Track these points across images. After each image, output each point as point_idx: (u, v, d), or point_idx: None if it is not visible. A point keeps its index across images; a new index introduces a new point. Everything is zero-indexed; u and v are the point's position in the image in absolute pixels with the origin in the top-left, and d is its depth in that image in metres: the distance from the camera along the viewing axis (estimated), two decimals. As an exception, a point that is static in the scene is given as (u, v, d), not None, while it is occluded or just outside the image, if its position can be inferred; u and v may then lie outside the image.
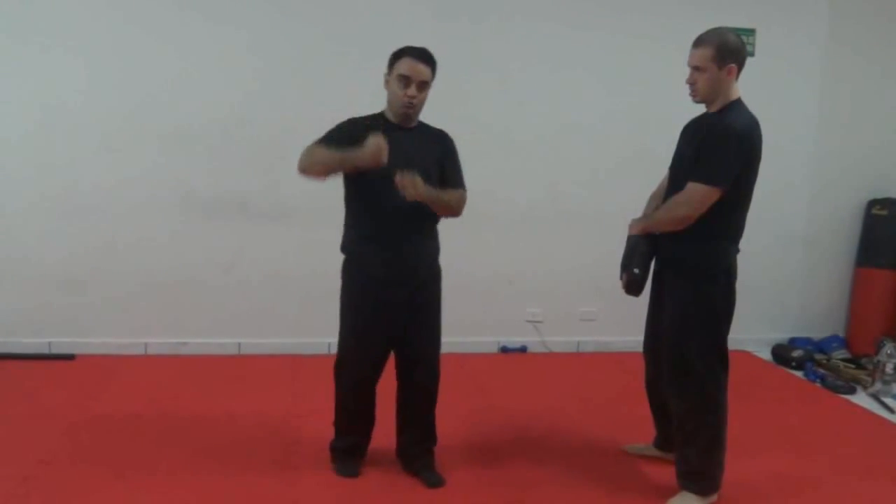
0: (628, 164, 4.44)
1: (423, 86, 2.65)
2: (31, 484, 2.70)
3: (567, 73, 4.45)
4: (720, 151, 2.50)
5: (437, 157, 2.77)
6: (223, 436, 3.19)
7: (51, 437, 3.12)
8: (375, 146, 2.48)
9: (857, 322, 4.87)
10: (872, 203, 4.86)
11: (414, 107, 2.68)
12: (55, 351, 4.18)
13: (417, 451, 2.88)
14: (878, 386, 4.09)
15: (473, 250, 4.39)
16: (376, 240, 2.69)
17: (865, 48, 4.73)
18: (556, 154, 4.52)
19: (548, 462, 3.05)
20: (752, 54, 4.27)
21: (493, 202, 4.40)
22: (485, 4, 4.34)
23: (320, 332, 4.15)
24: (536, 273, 4.59)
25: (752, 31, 4.49)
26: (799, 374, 4.45)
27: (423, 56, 2.64)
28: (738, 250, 2.65)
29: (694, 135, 2.65)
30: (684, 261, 2.63)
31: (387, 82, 2.69)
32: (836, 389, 4.12)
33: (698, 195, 2.51)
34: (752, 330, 4.50)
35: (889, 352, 4.11)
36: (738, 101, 2.58)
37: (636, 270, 2.68)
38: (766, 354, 4.75)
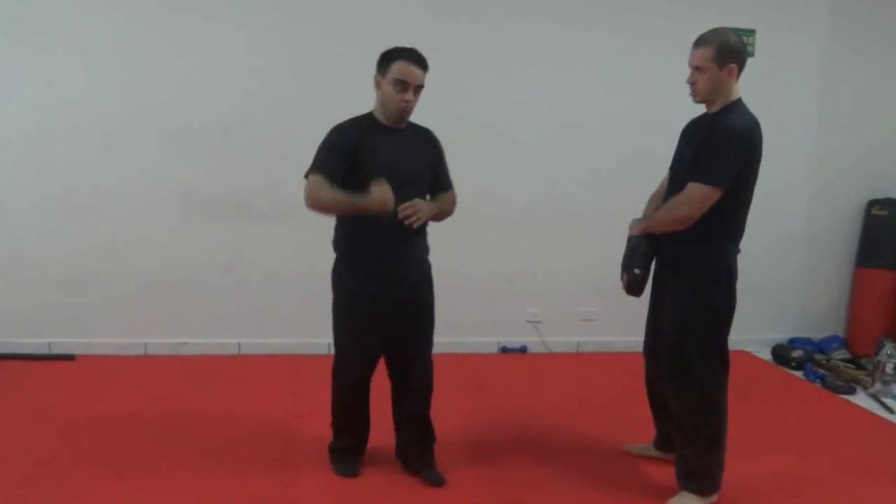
0: (628, 164, 4.44)
1: (419, 89, 2.66)
2: (30, 484, 2.70)
3: (567, 73, 4.45)
4: (720, 152, 2.50)
5: (430, 160, 2.79)
6: (223, 436, 3.19)
7: (51, 437, 3.12)
8: (381, 196, 2.52)
9: (857, 322, 4.87)
10: (872, 203, 4.86)
11: (409, 110, 2.68)
12: (55, 351, 4.18)
13: (417, 449, 2.89)
14: (877, 386, 4.09)
15: (473, 250, 4.39)
16: (373, 239, 2.67)
17: (865, 48, 4.73)
18: (556, 154, 4.52)
19: (548, 462, 3.05)
20: (752, 55, 4.27)
21: (493, 202, 4.41)
22: (485, 4, 4.34)
23: (320, 332, 4.14)
24: (536, 273, 4.58)
25: (752, 32, 4.49)
26: (799, 374, 4.45)
27: (419, 60, 2.63)
28: (738, 250, 2.65)
29: (694, 135, 2.65)
30: (685, 261, 2.63)
31: (377, 84, 2.66)
32: (836, 390, 4.12)
33: (698, 195, 2.51)
34: (752, 330, 4.50)
35: (889, 352, 4.11)
36: (739, 102, 2.58)
37: (637, 271, 2.68)
38: (766, 354, 4.75)
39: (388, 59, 2.64)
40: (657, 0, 4.46)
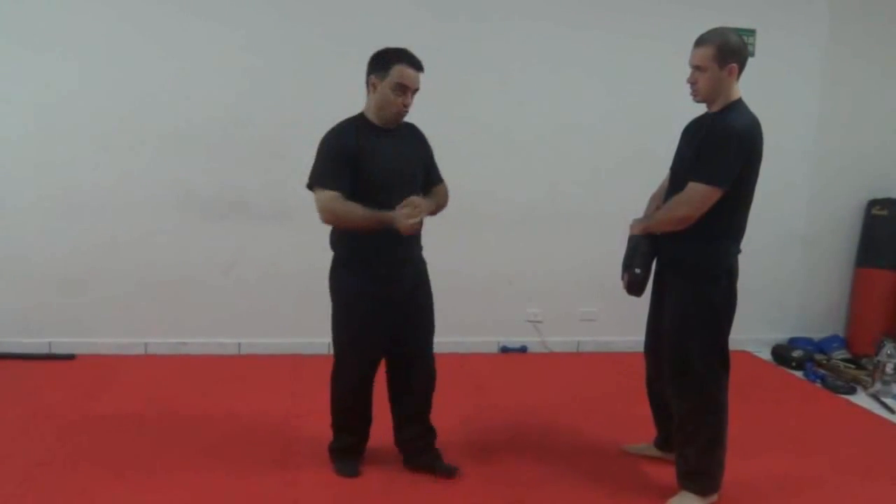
0: (628, 164, 4.44)
1: (416, 92, 2.67)
2: (30, 484, 2.70)
3: (567, 73, 4.45)
4: (721, 151, 2.50)
5: (423, 158, 2.81)
6: (223, 435, 3.19)
7: (51, 436, 3.12)
8: (410, 219, 2.54)
9: (857, 322, 4.86)
10: (872, 203, 4.86)
11: (406, 113, 2.70)
12: (55, 351, 4.18)
13: (422, 445, 2.90)
14: (878, 386, 4.09)
15: (473, 250, 4.40)
16: (372, 239, 2.66)
17: (865, 48, 4.73)
18: (556, 154, 4.52)
19: (548, 462, 3.05)
20: (752, 54, 4.27)
21: (493, 202, 4.41)
22: (485, 4, 4.34)
23: (320, 332, 4.13)
24: (536, 273, 4.58)
25: (752, 32, 4.49)
26: (799, 374, 4.45)
27: (417, 63, 2.64)
28: (739, 250, 2.65)
29: (695, 135, 2.65)
30: (685, 261, 2.63)
31: (373, 86, 2.64)
32: (836, 389, 4.12)
33: (699, 195, 2.51)
34: (752, 330, 4.49)
35: (889, 352, 4.11)
36: (740, 101, 2.58)
37: (637, 271, 2.68)
38: (766, 354, 4.75)
39: (385, 61, 2.62)
40: (657, 1, 4.46)
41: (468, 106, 4.30)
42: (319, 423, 3.01)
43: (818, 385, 4.24)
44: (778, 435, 3.44)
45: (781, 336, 4.85)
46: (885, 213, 4.76)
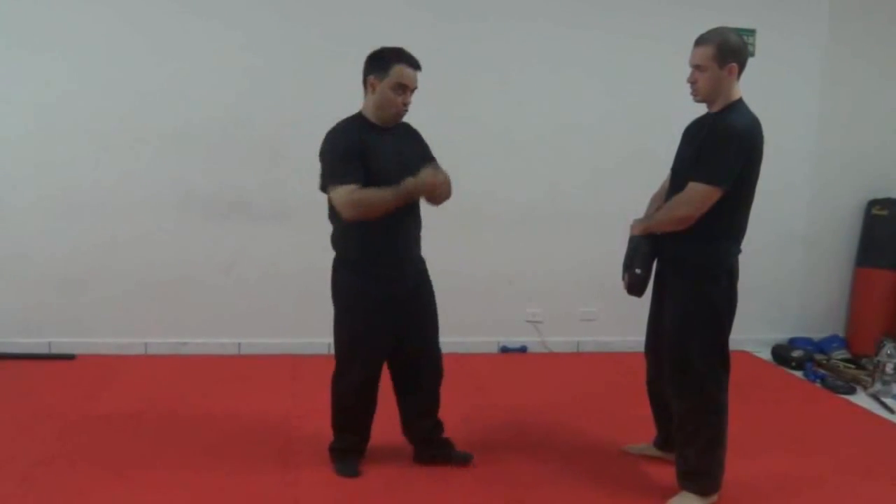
0: (628, 164, 4.44)
1: (413, 91, 2.69)
2: (30, 484, 2.70)
3: (567, 73, 4.45)
4: (721, 151, 2.50)
5: (422, 155, 2.81)
6: (223, 435, 3.19)
7: (50, 436, 3.12)
8: (433, 177, 2.56)
9: (857, 322, 4.86)
10: (872, 203, 4.86)
11: (405, 112, 2.72)
12: (55, 351, 4.18)
13: (435, 438, 2.97)
14: (878, 386, 4.09)
15: (473, 250, 4.40)
16: (383, 238, 2.68)
17: (865, 48, 4.73)
18: (556, 154, 4.52)
19: (548, 461, 3.05)
20: (752, 54, 4.27)
21: (493, 202, 4.41)
22: (485, 4, 4.34)
23: (320, 332, 4.13)
24: (536, 273, 4.58)
25: (752, 32, 4.49)
26: (799, 374, 4.45)
27: (415, 62, 2.65)
28: (739, 250, 2.65)
29: (696, 135, 2.65)
30: (686, 261, 2.63)
31: (372, 86, 2.65)
32: (836, 389, 4.12)
33: (699, 195, 2.51)
34: (752, 330, 4.48)
35: (889, 352, 4.11)
36: (740, 101, 2.58)
37: (638, 271, 2.68)
38: (766, 354, 4.75)
39: (384, 61, 2.63)
40: (657, 0, 4.46)
41: (468, 106, 4.30)
42: (319, 423, 3.01)
43: (818, 385, 4.24)
44: (778, 435, 3.44)
45: (781, 336, 4.85)
46: (885, 213, 4.76)
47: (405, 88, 2.63)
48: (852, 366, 4.41)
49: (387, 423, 2.95)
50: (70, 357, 4.14)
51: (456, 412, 3.09)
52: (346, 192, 2.57)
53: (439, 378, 2.93)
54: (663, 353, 2.71)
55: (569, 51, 4.42)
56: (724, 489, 2.71)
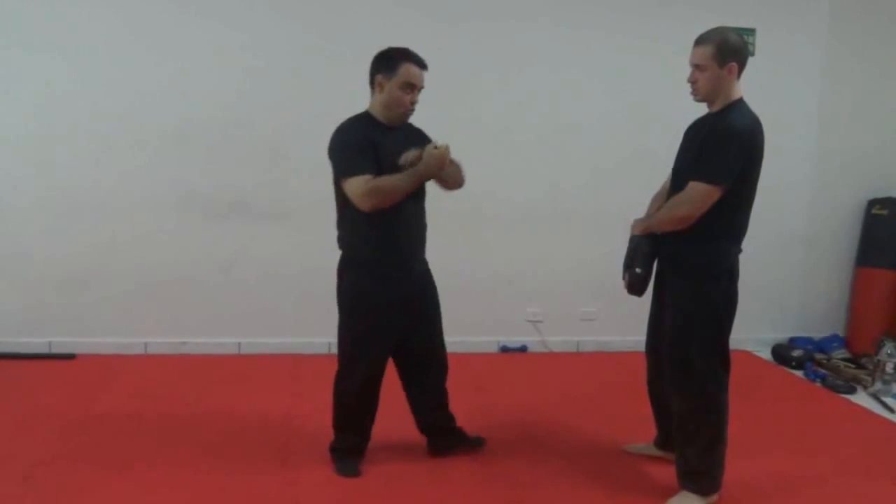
0: (628, 164, 4.44)
1: (420, 91, 2.71)
2: (30, 484, 2.70)
3: (567, 73, 4.45)
4: (721, 151, 2.50)
5: None
6: (223, 435, 3.19)
7: (51, 436, 3.11)
8: (439, 154, 2.62)
9: (857, 322, 4.86)
10: (872, 203, 4.86)
11: (413, 112, 2.74)
12: (55, 351, 4.18)
13: (449, 428, 3.04)
14: (878, 386, 4.09)
15: (473, 250, 4.40)
16: (393, 238, 2.71)
17: (865, 48, 4.73)
18: (556, 154, 4.52)
19: (548, 461, 3.05)
20: (752, 54, 4.27)
21: (493, 202, 4.41)
22: (484, 4, 4.34)
23: (320, 332, 4.14)
24: (536, 273, 4.58)
25: (752, 31, 4.49)
26: (799, 373, 4.45)
27: (423, 62, 2.69)
28: (740, 250, 2.65)
29: (696, 135, 2.65)
30: (686, 260, 2.63)
31: (380, 85, 2.67)
32: (836, 389, 4.12)
33: (699, 194, 2.51)
34: (752, 330, 4.49)
35: (889, 352, 4.11)
36: (740, 101, 2.58)
37: (638, 270, 2.68)
38: (766, 354, 4.75)
39: (392, 60, 2.66)
40: (657, 1, 4.46)
41: (468, 106, 4.30)
42: (319, 423, 3.01)
43: (818, 385, 4.24)
44: (778, 435, 3.44)
45: (781, 336, 4.85)
46: (885, 212, 4.76)
47: (413, 87, 2.67)
48: (852, 365, 4.41)
49: (387, 422, 2.95)
50: (70, 357, 4.14)
51: (456, 412, 3.09)
52: (361, 182, 2.58)
53: (445, 372, 2.99)
54: (663, 353, 2.71)
55: (569, 51, 4.42)
56: (724, 489, 2.71)
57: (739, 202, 2.58)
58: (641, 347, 2.96)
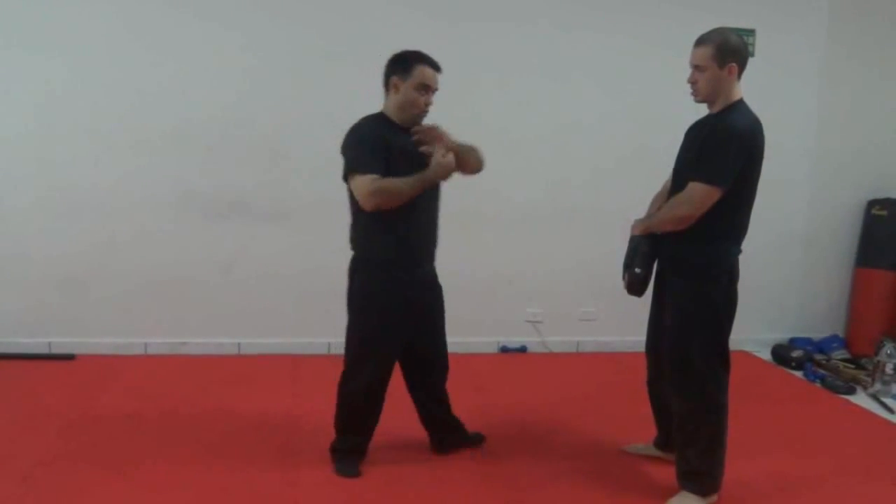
0: (628, 163, 4.44)
1: (434, 92, 2.74)
2: (30, 484, 2.70)
3: (567, 74, 4.45)
4: (721, 151, 2.50)
5: None
6: (223, 435, 3.19)
7: (51, 436, 3.11)
8: (446, 162, 2.65)
9: (857, 322, 4.87)
10: (872, 203, 4.86)
11: (427, 113, 2.76)
12: (55, 351, 4.18)
13: (453, 425, 3.08)
14: (877, 386, 4.09)
15: (473, 250, 4.39)
16: (408, 239, 2.73)
17: (864, 49, 4.73)
18: (556, 154, 4.52)
19: (547, 461, 3.05)
20: (752, 55, 4.27)
21: (493, 202, 4.41)
22: (484, 5, 4.34)
23: (320, 332, 4.16)
24: (536, 273, 4.58)
25: (752, 32, 4.49)
26: (799, 374, 4.45)
27: (437, 65, 2.72)
28: (740, 250, 2.65)
29: (697, 136, 2.65)
30: (686, 261, 2.63)
31: (395, 86, 2.70)
32: (836, 389, 4.12)
33: (699, 195, 2.51)
34: (752, 330, 4.49)
35: (889, 352, 4.11)
36: (741, 102, 2.58)
37: (638, 270, 2.68)
38: (766, 354, 4.75)
39: (407, 62, 2.69)
40: (657, 1, 4.46)
41: (468, 106, 4.29)
42: (319, 423, 3.01)
43: (818, 385, 4.24)
44: (778, 435, 3.44)
45: (781, 336, 4.85)
46: (885, 213, 4.76)
47: (427, 89, 2.70)
48: (852, 366, 4.41)
49: (386, 422, 2.95)
50: (70, 357, 4.14)
51: (456, 412, 3.10)
52: (367, 181, 2.60)
53: (446, 372, 3.02)
54: (663, 353, 2.71)
55: (569, 51, 4.42)
56: (724, 489, 2.71)
57: (740, 203, 2.58)
58: (641, 348, 2.96)
